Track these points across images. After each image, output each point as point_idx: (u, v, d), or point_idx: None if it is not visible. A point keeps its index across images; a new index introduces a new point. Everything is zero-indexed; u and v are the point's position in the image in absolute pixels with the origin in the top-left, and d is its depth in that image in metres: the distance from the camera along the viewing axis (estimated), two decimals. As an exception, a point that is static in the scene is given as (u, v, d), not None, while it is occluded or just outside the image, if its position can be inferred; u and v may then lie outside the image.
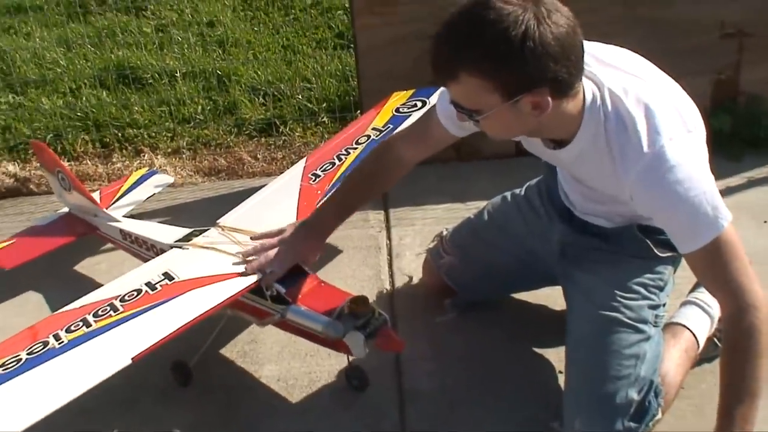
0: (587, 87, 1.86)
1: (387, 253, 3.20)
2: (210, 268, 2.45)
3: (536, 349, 2.61)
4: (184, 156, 4.06)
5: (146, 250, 2.88)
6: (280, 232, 2.46)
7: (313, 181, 2.85)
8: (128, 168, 3.98)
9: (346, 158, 2.92)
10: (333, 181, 2.80)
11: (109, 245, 3.25)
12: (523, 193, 2.63)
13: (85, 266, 3.31)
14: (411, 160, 2.45)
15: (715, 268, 1.83)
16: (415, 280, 2.99)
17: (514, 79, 1.70)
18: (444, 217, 3.36)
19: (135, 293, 2.36)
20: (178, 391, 2.58)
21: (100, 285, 2.97)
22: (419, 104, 3.09)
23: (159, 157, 4.07)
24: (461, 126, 2.18)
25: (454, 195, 3.51)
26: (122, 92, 4.65)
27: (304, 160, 3.03)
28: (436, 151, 2.41)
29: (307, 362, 2.65)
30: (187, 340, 2.26)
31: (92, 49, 5.18)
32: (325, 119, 4.23)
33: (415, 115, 2.93)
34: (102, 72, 4.80)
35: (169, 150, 4.15)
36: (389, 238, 3.29)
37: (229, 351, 2.73)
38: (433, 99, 3.07)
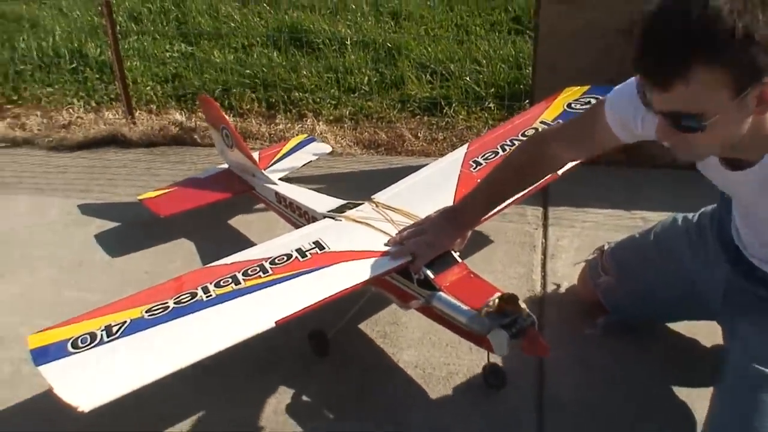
0: None
1: (541, 252, 3.07)
2: (361, 243, 2.41)
3: (681, 389, 2.41)
4: (345, 125, 4.04)
5: (298, 216, 2.88)
6: (425, 221, 2.40)
7: (474, 168, 2.76)
8: (290, 130, 4.01)
9: (510, 150, 2.80)
10: (494, 171, 2.70)
11: (262, 205, 3.27)
12: (695, 219, 2.41)
13: (239, 222, 3.35)
14: (566, 160, 2.31)
15: None
16: (566, 287, 2.86)
17: (747, 69, 1.52)
18: (606, 222, 3.21)
19: (285, 258, 2.35)
20: (314, 361, 2.56)
21: (251, 242, 3.06)
22: (593, 102, 2.94)
23: (321, 123, 4.07)
24: (628, 130, 2.03)
25: (618, 201, 3.34)
26: (292, 55, 4.69)
27: (466, 146, 2.94)
28: (594, 155, 2.27)
29: (446, 353, 2.57)
30: (327, 311, 2.23)
31: (267, 7, 5.25)
32: (491, 105, 4.12)
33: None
34: (275, 32, 4.86)
35: (332, 117, 4.15)
36: (545, 237, 3.16)
37: (370, 329, 2.69)
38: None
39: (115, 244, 3.25)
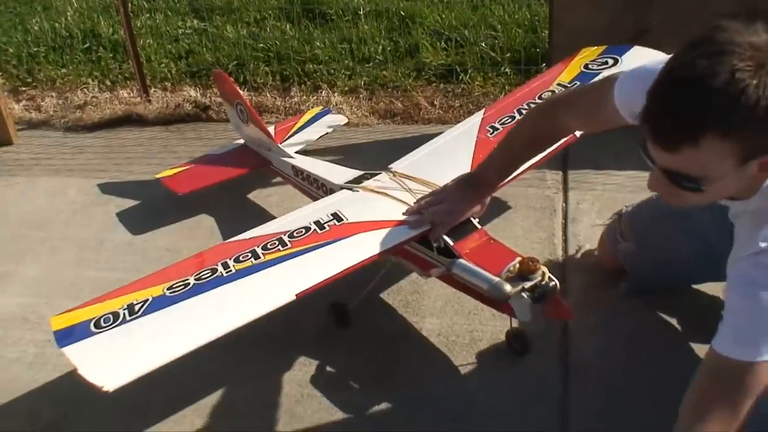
0: None
1: (562, 216, 3.03)
2: (379, 213, 2.40)
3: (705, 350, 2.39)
4: (360, 96, 4.02)
5: (316, 188, 2.86)
6: (443, 189, 2.38)
7: (491, 134, 2.72)
8: (305, 103, 3.99)
9: (523, 115, 2.77)
10: (510, 135, 2.67)
11: (282, 180, 3.26)
12: None
13: (258, 197, 3.34)
14: (572, 129, 2.27)
15: (710, 385, 1.67)
16: (587, 249, 2.83)
17: (759, 143, 1.48)
18: (627, 184, 3.15)
19: (303, 230, 2.34)
20: (334, 333, 2.55)
21: (271, 216, 3.05)
22: (610, 62, 2.90)
23: (336, 94, 4.04)
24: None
25: (639, 162, 3.26)
26: (305, 27, 4.65)
27: (482, 111, 2.90)
28: (599, 129, 2.21)
29: (470, 320, 2.56)
30: (347, 282, 2.21)
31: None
32: (507, 70, 4.07)
33: (604, 74, 2.74)
34: (287, 4, 4.81)
35: (347, 88, 4.11)
36: (566, 201, 3.12)
37: (391, 298, 2.68)
38: (626, 58, 2.88)
39: (135, 222, 3.25)
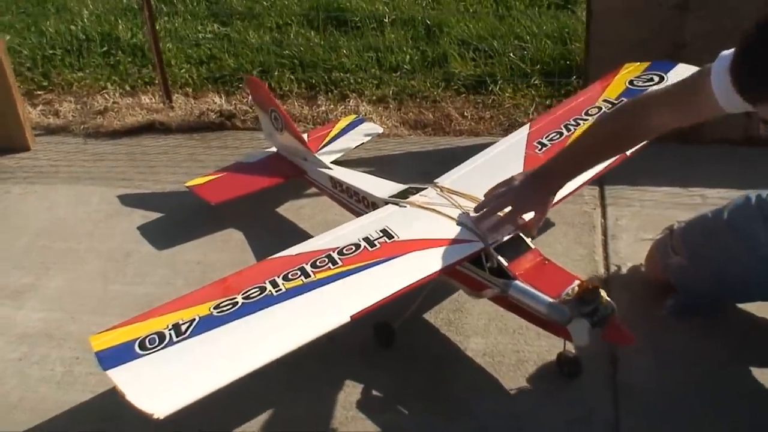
0: None
1: (601, 233, 2.97)
2: (430, 231, 2.32)
3: (756, 369, 2.32)
4: (391, 106, 3.93)
5: (356, 201, 2.79)
6: (508, 182, 2.28)
7: (539, 150, 2.66)
8: (333, 112, 3.91)
9: (575, 129, 2.71)
10: (560, 151, 2.60)
11: (313, 189, 3.18)
12: None
13: (288, 209, 3.25)
14: (661, 128, 2.19)
15: None
16: (629, 267, 2.76)
17: None
18: (664, 201, 3.12)
19: (353, 248, 2.26)
20: (379, 352, 2.47)
21: (302, 229, 2.97)
22: (656, 78, 2.86)
23: (364, 103, 3.96)
24: (735, 105, 1.92)
25: (674, 178, 3.24)
26: (330, 34, 4.57)
27: (527, 126, 2.84)
28: (690, 124, 2.15)
29: (515, 339, 2.48)
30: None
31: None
32: (537, 82, 3.99)
33: (650, 89, 2.68)
34: (310, 11, 4.74)
35: (374, 98, 4.03)
36: (604, 216, 3.06)
37: (433, 317, 2.60)
38: (671, 75, 2.82)
39: (161, 234, 3.16)
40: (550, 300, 2.09)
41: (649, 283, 2.64)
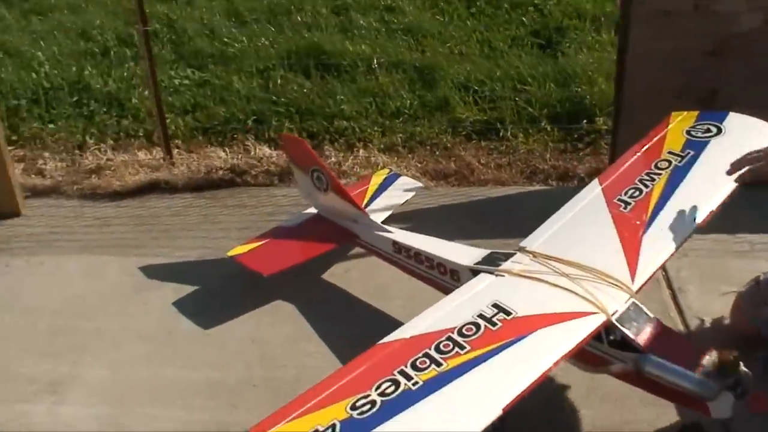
0: None
1: (666, 286, 2.94)
2: (546, 303, 2.20)
3: None
4: (408, 156, 3.81)
5: (428, 268, 2.64)
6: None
7: (624, 208, 2.57)
8: (345, 162, 3.74)
9: (652, 185, 2.64)
10: (649, 210, 2.53)
11: (357, 250, 3.02)
12: None
13: (335, 274, 3.06)
14: None
15: None
16: (708, 321, 2.73)
17: None
18: (714, 248, 3.10)
19: (473, 328, 2.11)
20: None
21: (355, 297, 2.81)
22: (714, 130, 2.82)
23: (375, 152, 3.81)
24: None
25: (717, 225, 3.18)
26: (322, 77, 4.40)
27: (595, 182, 2.75)
28: None
29: (619, 408, 2.41)
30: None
31: (269, 26, 4.95)
32: (546, 126, 3.95)
33: (711, 142, 2.71)
34: (290, 54, 4.56)
35: (382, 146, 3.89)
36: (664, 269, 3.01)
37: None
38: (727, 125, 2.81)
39: (200, 309, 2.92)
40: (698, 377, 2.01)
41: (735, 337, 2.60)
